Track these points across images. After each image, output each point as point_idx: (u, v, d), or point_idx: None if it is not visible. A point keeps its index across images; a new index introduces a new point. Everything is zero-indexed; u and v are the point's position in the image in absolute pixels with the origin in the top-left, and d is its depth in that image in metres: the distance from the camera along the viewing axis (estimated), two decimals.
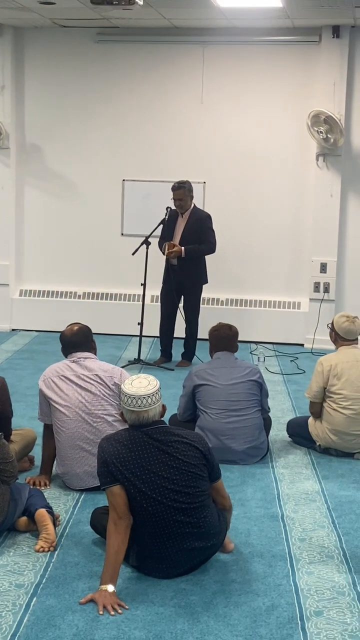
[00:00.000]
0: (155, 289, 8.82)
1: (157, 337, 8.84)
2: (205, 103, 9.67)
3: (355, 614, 3.65)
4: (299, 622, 3.58)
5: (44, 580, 3.90)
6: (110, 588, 3.72)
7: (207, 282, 8.60)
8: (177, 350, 8.60)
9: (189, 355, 8.54)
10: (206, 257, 8.51)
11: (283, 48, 9.44)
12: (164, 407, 4.08)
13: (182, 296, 8.54)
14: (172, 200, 8.32)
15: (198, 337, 8.49)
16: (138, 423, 3.97)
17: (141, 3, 6.36)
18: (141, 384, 3.99)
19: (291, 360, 8.93)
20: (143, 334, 8.51)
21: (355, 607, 3.71)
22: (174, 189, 8.30)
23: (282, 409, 7.00)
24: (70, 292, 10.09)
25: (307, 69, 9.43)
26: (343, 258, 9.63)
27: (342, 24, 9.04)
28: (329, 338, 6.20)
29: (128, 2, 6.22)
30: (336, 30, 9.12)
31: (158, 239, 8.44)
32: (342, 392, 5.78)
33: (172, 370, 8.18)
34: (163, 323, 8.63)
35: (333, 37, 9.14)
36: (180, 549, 3.90)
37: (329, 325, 6.13)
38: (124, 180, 9.90)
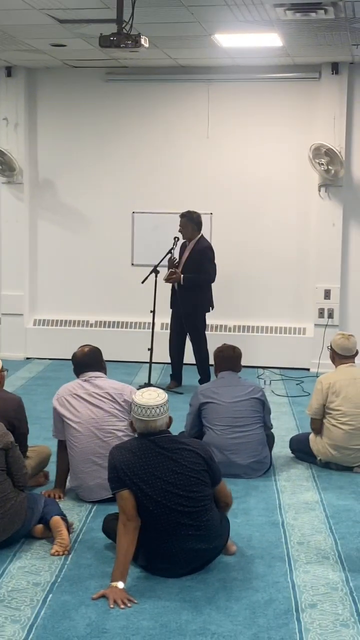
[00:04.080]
0: (164, 317, 9.14)
1: (167, 363, 9.14)
2: (211, 138, 10.07)
3: (347, 606, 3.93)
4: (295, 613, 3.87)
5: (59, 580, 4.21)
6: (120, 584, 4.02)
7: (209, 310, 8.88)
8: (194, 377, 8.86)
9: (204, 380, 8.76)
10: (212, 285, 8.82)
11: (284, 84, 9.84)
12: (170, 419, 4.41)
13: (184, 322, 8.85)
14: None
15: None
16: (146, 431, 4.29)
17: (147, 46, 6.73)
18: (151, 396, 4.33)
19: (297, 384, 9.22)
20: (153, 361, 8.83)
21: (347, 600, 4.00)
22: (179, 216, 8.71)
23: (286, 428, 7.28)
24: (83, 321, 10.45)
25: (308, 103, 9.82)
26: (346, 284, 9.95)
27: (340, 61, 9.44)
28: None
29: (135, 45, 6.59)
30: (335, 67, 9.52)
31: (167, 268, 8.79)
32: (340, 408, 6.08)
33: (182, 394, 8.46)
34: (171, 347, 8.96)
35: (332, 74, 9.54)
36: (183, 549, 4.20)
37: (329, 347, 6.44)
38: (133, 212, 10.28)
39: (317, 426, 6.20)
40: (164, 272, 8.75)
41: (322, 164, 9.42)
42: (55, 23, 7.72)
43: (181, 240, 8.81)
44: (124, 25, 6.67)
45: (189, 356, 8.98)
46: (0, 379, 5.40)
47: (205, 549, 4.26)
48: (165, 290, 8.80)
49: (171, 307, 8.87)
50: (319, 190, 9.74)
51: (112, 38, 6.61)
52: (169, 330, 9.08)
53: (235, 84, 9.94)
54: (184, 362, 9.01)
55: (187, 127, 10.11)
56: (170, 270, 8.60)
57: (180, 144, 10.15)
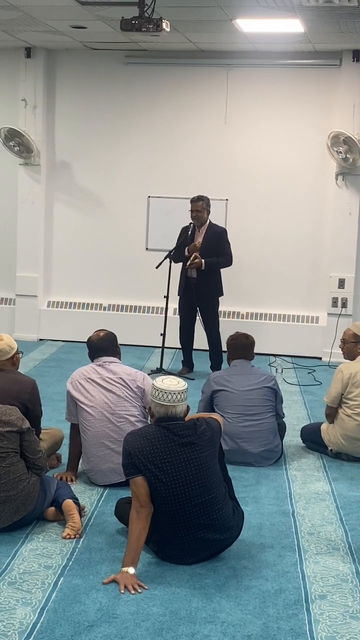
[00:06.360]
0: (177, 302, 9.12)
1: (178, 348, 9.15)
2: (228, 123, 10.03)
3: (357, 599, 3.94)
4: (304, 604, 3.88)
5: (70, 563, 4.23)
6: (131, 570, 4.03)
7: (222, 295, 8.89)
8: (205, 363, 8.88)
9: (215, 366, 8.77)
10: (222, 270, 8.80)
11: (304, 71, 9.79)
12: (187, 408, 4.41)
13: (199, 308, 8.82)
14: (190, 212, 8.65)
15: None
16: (166, 417, 4.29)
17: (168, 30, 6.71)
18: (171, 382, 4.34)
19: (308, 373, 9.21)
20: (166, 346, 8.84)
21: (357, 592, 4.01)
22: (193, 200, 8.66)
23: (297, 417, 7.29)
24: (96, 304, 10.46)
25: (328, 91, 9.77)
26: None
27: None
28: None
29: (156, 29, 6.57)
30: (356, 55, 9.46)
31: (173, 252, 8.69)
32: (358, 399, 6.05)
33: (193, 379, 8.46)
34: (182, 334, 8.95)
35: (353, 61, 9.49)
36: (194, 538, 4.21)
37: (347, 341, 6.34)
38: (149, 196, 10.27)
39: (333, 414, 6.18)
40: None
41: (340, 152, 9.38)
42: (77, 5, 7.68)
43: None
44: (145, 8, 6.64)
45: (198, 342, 8.98)
46: (15, 361, 5.41)
47: (216, 539, 4.27)
48: (178, 276, 8.78)
49: (179, 295, 8.83)
50: (336, 179, 9.71)
51: (133, 21, 6.61)
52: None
53: (254, 70, 9.89)
54: (194, 348, 9.01)
55: (205, 112, 10.08)
56: (194, 254, 8.53)
57: (198, 129, 10.12)
